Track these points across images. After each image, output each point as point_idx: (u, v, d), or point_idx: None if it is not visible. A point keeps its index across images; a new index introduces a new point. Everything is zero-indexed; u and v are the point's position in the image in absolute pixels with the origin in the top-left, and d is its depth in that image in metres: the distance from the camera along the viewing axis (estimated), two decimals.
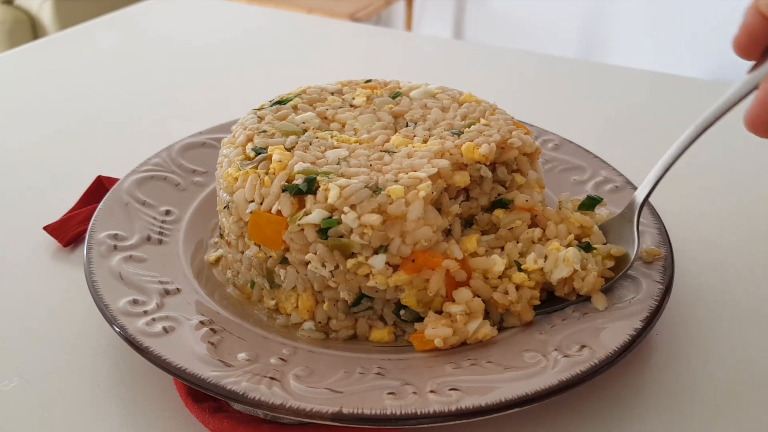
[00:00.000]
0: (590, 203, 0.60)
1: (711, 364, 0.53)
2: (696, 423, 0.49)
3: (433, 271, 0.51)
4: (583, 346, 0.48)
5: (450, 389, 0.45)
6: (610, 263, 0.55)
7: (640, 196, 0.57)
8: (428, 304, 0.52)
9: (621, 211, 0.59)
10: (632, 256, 0.55)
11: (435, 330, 0.50)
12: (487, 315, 0.52)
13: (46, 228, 0.66)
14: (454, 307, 0.51)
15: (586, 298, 0.54)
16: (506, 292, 0.52)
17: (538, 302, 0.53)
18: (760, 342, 0.56)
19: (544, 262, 0.53)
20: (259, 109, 0.63)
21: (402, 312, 0.52)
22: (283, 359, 0.49)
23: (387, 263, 0.50)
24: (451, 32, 2.97)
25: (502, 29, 2.86)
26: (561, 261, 0.53)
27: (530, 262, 0.53)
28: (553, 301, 0.54)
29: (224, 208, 0.57)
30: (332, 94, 0.66)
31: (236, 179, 0.55)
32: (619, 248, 0.56)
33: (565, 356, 0.48)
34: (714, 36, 2.46)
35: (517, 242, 0.55)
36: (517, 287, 0.53)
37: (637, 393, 0.51)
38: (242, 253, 0.56)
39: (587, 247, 0.55)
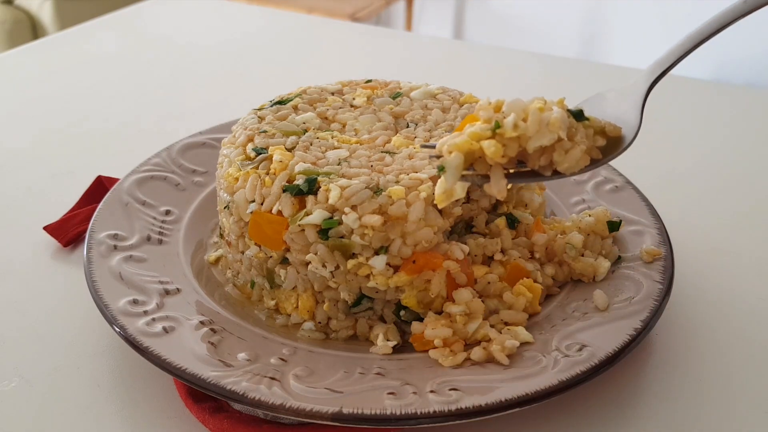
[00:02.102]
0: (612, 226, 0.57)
1: (711, 364, 0.53)
2: (696, 423, 0.49)
3: (433, 272, 0.51)
4: (583, 346, 0.48)
5: (450, 389, 0.45)
6: (602, 141, 0.46)
7: (653, 72, 0.48)
8: (428, 305, 0.52)
9: (626, 85, 0.50)
10: (628, 139, 0.46)
11: (435, 331, 0.50)
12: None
13: (46, 228, 0.66)
14: (454, 307, 0.51)
15: (561, 176, 0.46)
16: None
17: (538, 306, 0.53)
18: (759, 342, 0.56)
19: (524, 123, 0.44)
20: (259, 109, 0.63)
21: (402, 312, 0.52)
22: (283, 359, 0.49)
23: (387, 264, 0.50)
24: (451, 32, 2.97)
25: (502, 29, 2.86)
26: (544, 125, 0.44)
27: (508, 124, 0.44)
28: (522, 175, 0.46)
29: (224, 208, 0.57)
30: (332, 94, 0.66)
31: (237, 179, 0.55)
32: (615, 126, 0.46)
33: (565, 356, 0.48)
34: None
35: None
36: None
37: (637, 393, 0.51)
38: (242, 253, 0.56)
39: (578, 115, 0.46)
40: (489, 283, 0.53)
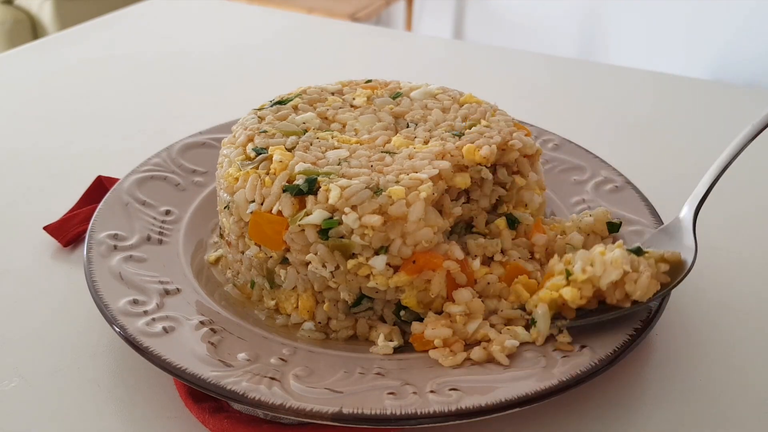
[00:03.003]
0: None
1: (710, 364, 0.53)
2: (696, 423, 0.49)
3: (434, 272, 0.51)
4: (583, 346, 0.48)
5: (450, 389, 0.45)
6: (665, 267, 0.51)
7: (691, 206, 0.56)
8: (428, 305, 0.52)
9: (673, 220, 0.57)
10: (689, 261, 0.52)
11: (435, 331, 0.50)
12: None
13: (46, 228, 0.66)
14: (453, 307, 0.51)
15: (642, 306, 0.50)
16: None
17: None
18: (759, 342, 0.56)
19: (592, 267, 0.50)
20: (259, 109, 0.63)
21: (402, 313, 0.52)
22: (283, 359, 0.49)
23: (387, 264, 0.50)
24: (451, 32, 2.97)
25: (502, 29, 2.86)
26: (609, 263, 0.49)
27: (577, 270, 0.50)
28: (605, 310, 0.51)
29: (224, 208, 0.57)
30: (332, 94, 0.66)
31: (237, 179, 0.55)
32: (673, 252, 0.52)
33: (565, 356, 0.48)
34: (714, 36, 2.47)
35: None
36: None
37: (637, 393, 0.51)
38: (242, 253, 0.56)
39: (638, 251, 0.52)
40: (489, 283, 0.53)
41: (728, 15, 2.39)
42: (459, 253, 0.52)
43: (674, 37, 2.57)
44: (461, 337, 0.50)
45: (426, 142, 0.58)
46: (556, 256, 0.54)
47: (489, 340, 0.50)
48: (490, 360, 0.49)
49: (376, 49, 1.19)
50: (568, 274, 0.51)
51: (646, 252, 0.52)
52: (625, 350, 0.48)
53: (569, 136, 0.76)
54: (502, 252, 0.55)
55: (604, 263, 0.50)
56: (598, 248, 0.51)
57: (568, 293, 0.50)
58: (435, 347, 0.50)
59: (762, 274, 0.63)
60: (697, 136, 0.88)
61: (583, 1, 2.70)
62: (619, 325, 0.50)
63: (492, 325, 0.51)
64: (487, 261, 0.55)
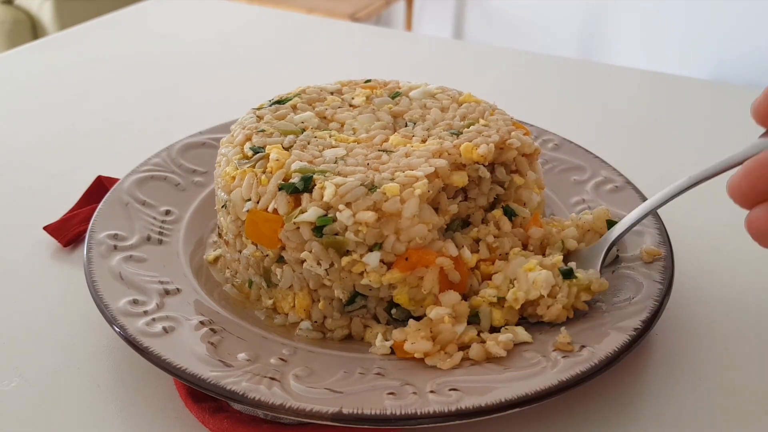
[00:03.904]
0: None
1: (711, 364, 0.53)
2: (696, 423, 0.49)
3: (426, 269, 0.51)
4: (583, 346, 0.48)
5: (450, 389, 0.45)
6: (587, 297, 0.52)
7: (612, 234, 0.55)
8: (420, 302, 0.52)
9: (590, 246, 0.57)
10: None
11: (414, 345, 0.49)
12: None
13: (46, 228, 0.66)
14: (440, 310, 0.50)
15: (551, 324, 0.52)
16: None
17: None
18: (760, 342, 0.56)
19: (512, 282, 0.52)
20: (258, 109, 0.63)
21: (393, 311, 0.52)
22: (283, 359, 0.49)
23: (381, 261, 0.50)
24: (451, 32, 2.97)
25: (502, 29, 2.86)
26: (531, 283, 0.51)
27: (510, 298, 0.51)
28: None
29: (222, 207, 0.58)
30: (331, 93, 0.66)
31: (234, 178, 0.55)
32: (603, 282, 0.52)
33: (565, 356, 0.48)
34: (713, 36, 2.47)
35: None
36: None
37: (637, 393, 0.51)
38: (240, 252, 0.56)
39: (568, 273, 0.52)
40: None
41: (728, 15, 2.40)
42: (453, 250, 0.52)
43: (674, 37, 2.57)
44: (450, 339, 0.50)
45: (424, 141, 0.58)
46: (498, 262, 0.54)
47: (483, 341, 0.49)
48: (489, 357, 0.49)
49: (376, 49, 1.19)
50: (500, 297, 0.52)
51: (576, 277, 0.51)
52: (625, 350, 0.48)
53: (569, 136, 0.76)
54: (495, 237, 0.55)
55: (527, 282, 0.51)
56: (532, 261, 0.52)
57: (495, 316, 0.52)
58: (416, 359, 0.49)
59: (762, 274, 0.63)
60: (697, 136, 0.88)
61: (583, 2, 2.70)
62: (618, 325, 0.50)
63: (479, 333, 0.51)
64: (476, 248, 0.55)
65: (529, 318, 0.52)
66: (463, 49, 1.37)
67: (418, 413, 0.43)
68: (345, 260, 0.50)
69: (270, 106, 0.63)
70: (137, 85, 1.02)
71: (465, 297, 0.52)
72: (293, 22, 1.34)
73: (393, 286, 0.52)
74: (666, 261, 0.56)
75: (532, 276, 0.51)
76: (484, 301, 0.52)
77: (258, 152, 0.56)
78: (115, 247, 0.58)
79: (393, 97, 0.65)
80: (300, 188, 0.51)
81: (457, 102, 0.65)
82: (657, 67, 1.18)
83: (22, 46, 1.18)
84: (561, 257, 0.54)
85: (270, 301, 0.56)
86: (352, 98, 0.65)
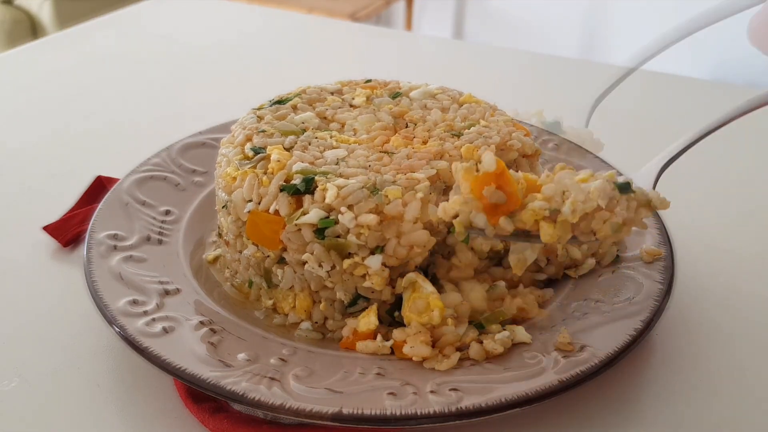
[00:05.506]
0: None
1: (711, 364, 0.53)
2: (696, 423, 0.49)
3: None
4: (583, 346, 0.48)
5: (450, 389, 0.45)
6: (646, 214, 0.46)
7: (662, 160, 0.52)
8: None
9: (640, 171, 0.53)
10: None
11: (413, 349, 0.49)
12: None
13: (45, 228, 0.65)
14: (438, 313, 0.50)
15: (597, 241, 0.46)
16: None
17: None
18: (760, 342, 0.56)
19: (582, 205, 0.45)
20: (258, 109, 0.63)
21: (396, 314, 0.52)
22: (282, 359, 0.49)
23: (383, 264, 0.50)
24: (451, 32, 2.97)
25: (502, 29, 2.86)
26: (586, 193, 0.45)
27: (566, 212, 0.45)
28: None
29: (222, 207, 0.57)
30: (332, 94, 0.66)
31: (234, 179, 0.55)
32: (662, 199, 0.47)
33: (565, 356, 0.48)
34: (714, 36, 2.46)
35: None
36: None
37: (637, 393, 0.50)
38: (240, 252, 0.56)
39: (625, 188, 0.46)
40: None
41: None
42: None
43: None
44: (452, 341, 0.50)
45: (425, 142, 0.58)
46: (546, 173, 0.48)
47: (481, 342, 0.49)
48: (488, 356, 0.48)
49: (376, 48, 1.19)
50: (553, 209, 0.46)
51: (634, 191, 0.47)
52: (626, 350, 0.48)
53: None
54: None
55: (582, 193, 0.46)
56: (583, 173, 0.47)
57: (546, 231, 0.46)
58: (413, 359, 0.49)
59: (762, 274, 0.63)
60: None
61: (583, 1, 2.70)
62: (619, 325, 0.50)
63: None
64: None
65: (580, 237, 0.47)
66: (463, 49, 1.37)
67: (419, 413, 0.43)
68: (347, 263, 0.50)
69: (270, 106, 0.63)
70: (137, 85, 1.02)
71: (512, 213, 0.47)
72: (293, 22, 1.34)
73: (393, 292, 0.52)
74: (666, 261, 0.56)
75: (586, 186, 0.45)
76: (535, 214, 0.46)
77: (259, 153, 0.56)
78: (115, 247, 0.58)
79: (393, 98, 0.65)
80: (302, 190, 0.51)
81: (458, 102, 0.65)
82: (657, 67, 1.18)
83: (22, 46, 1.18)
84: (614, 172, 0.48)
85: (270, 302, 0.56)
86: (353, 98, 0.65)
